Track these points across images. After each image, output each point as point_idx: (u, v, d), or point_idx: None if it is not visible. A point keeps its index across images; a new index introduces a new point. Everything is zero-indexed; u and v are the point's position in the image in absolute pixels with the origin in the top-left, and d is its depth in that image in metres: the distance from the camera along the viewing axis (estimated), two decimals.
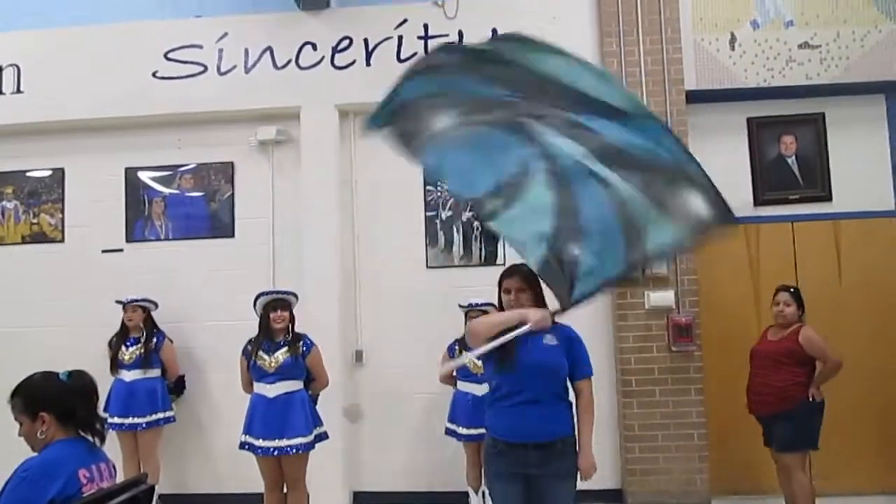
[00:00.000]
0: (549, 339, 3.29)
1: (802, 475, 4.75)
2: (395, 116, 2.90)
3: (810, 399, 4.69)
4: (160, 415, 5.66)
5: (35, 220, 6.46)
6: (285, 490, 4.76)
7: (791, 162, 6.07)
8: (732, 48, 5.94)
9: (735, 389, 5.64)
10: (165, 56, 6.23)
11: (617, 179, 2.78)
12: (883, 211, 5.96)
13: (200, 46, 6.23)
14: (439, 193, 6.18)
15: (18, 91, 6.35)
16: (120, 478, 2.78)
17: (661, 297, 5.65)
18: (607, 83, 2.93)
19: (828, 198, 6.00)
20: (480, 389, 4.90)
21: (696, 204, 2.78)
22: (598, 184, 2.79)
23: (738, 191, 6.00)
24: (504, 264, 5.58)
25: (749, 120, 6.09)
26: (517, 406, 3.25)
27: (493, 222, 2.98)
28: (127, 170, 6.40)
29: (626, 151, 2.80)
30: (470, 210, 5.99)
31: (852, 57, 5.87)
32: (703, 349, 5.67)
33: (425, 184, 6.19)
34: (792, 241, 5.95)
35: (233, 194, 6.32)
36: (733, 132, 6.08)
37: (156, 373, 5.72)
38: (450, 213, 6.16)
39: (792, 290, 4.91)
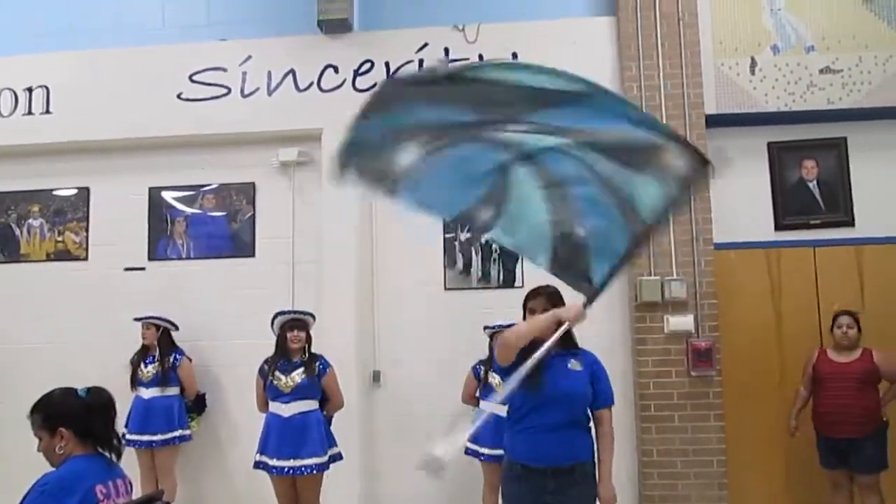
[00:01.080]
0: (575, 365, 3.27)
1: (881, 494, 4.93)
2: (358, 158, 2.77)
3: (885, 419, 4.95)
4: (176, 433, 5.69)
5: (60, 238, 6.56)
6: None
7: (812, 186, 6.02)
8: (753, 73, 5.93)
9: (755, 415, 5.61)
10: (190, 78, 6.34)
11: (596, 159, 2.77)
12: None
13: (224, 69, 6.33)
14: None
15: (47, 112, 6.48)
16: (137, 494, 2.80)
17: (681, 322, 5.60)
18: (558, 74, 2.77)
19: (850, 223, 5.94)
20: (503, 410, 4.87)
21: (673, 161, 2.77)
22: (581, 166, 2.78)
23: (758, 215, 5.98)
24: (523, 286, 5.62)
25: (770, 144, 6.05)
26: (537, 430, 3.23)
27: (491, 234, 2.97)
28: (150, 189, 6.49)
29: (597, 132, 2.76)
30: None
31: (874, 82, 5.84)
32: (723, 375, 5.61)
33: None
34: (814, 266, 5.89)
35: (254, 215, 6.39)
36: (754, 157, 6.04)
37: (174, 391, 5.76)
38: (468, 234, 6.17)
39: (852, 313, 5.16)
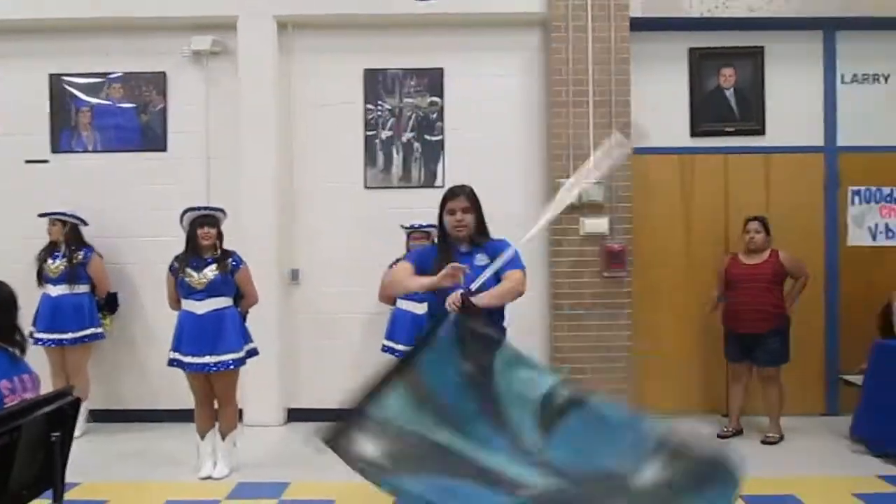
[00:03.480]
0: (481, 259, 3.26)
1: (781, 384, 5.40)
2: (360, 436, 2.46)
3: (788, 316, 5.36)
4: (88, 331, 5.58)
5: None
6: (216, 406, 4.78)
7: (729, 94, 6.14)
8: None
9: (661, 314, 5.89)
10: None
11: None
12: (812, 146, 6.11)
13: None
14: (379, 112, 6.09)
15: None
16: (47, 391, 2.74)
17: (596, 224, 5.74)
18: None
19: (761, 132, 6.12)
20: (420, 308, 4.94)
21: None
22: None
23: (675, 121, 6.10)
24: (443, 186, 5.62)
25: (691, 50, 6.10)
26: None
27: None
28: (51, 76, 6.10)
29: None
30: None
31: None
32: (633, 275, 5.81)
33: (366, 102, 6.08)
34: (724, 172, 6.08)
35: (165, 106, 6.11)
36: (675, 62, 6.10)
37: (84, 288, 5.60)
38: (390, 133, 6.08)
39: (759, 218, 5.44)
